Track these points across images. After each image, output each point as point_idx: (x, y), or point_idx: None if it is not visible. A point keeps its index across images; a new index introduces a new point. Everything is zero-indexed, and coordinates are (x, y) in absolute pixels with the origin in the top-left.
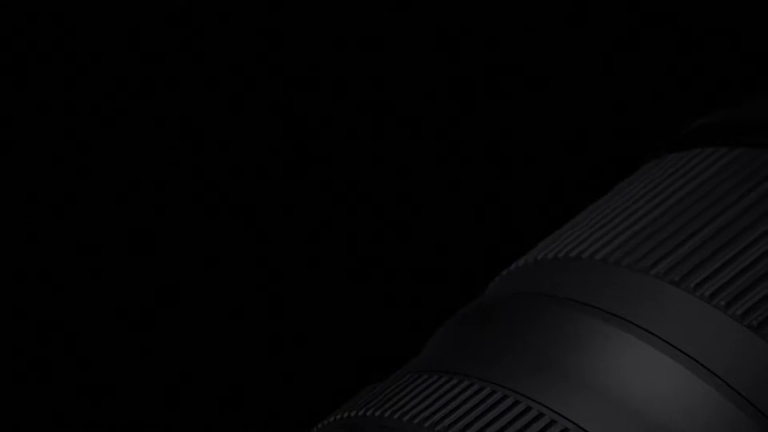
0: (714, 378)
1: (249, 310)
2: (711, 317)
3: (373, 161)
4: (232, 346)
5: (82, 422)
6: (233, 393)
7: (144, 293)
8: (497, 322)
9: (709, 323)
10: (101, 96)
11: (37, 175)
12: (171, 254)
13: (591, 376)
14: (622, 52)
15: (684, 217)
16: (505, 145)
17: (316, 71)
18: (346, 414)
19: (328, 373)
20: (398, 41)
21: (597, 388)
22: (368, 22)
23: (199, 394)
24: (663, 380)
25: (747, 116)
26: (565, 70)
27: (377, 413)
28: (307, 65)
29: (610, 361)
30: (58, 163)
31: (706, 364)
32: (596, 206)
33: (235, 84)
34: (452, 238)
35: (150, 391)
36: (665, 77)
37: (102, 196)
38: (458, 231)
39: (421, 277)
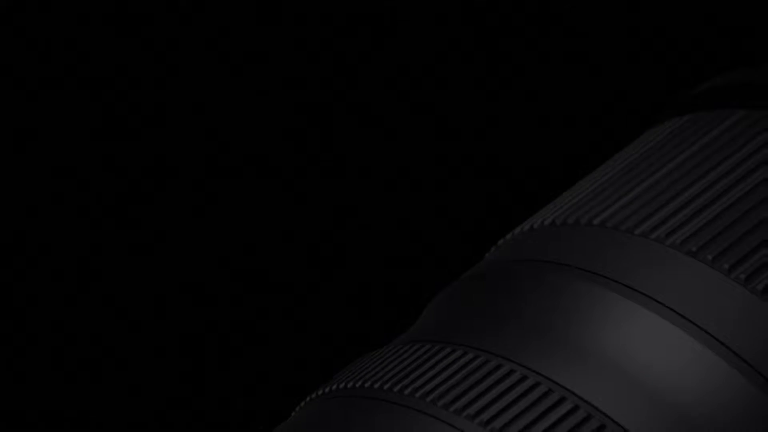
0: (718, 344)
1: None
2: (714, 282)
3: (368, 133)
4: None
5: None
6: (225, 349)
7: (136, 290)
8: (495, 290)
9: (711, 288)
10: (99, 95)
11: (33, 175)
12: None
13: (591, 343)
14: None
15: (684, 181)
16: (503, 114)
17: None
18: (342, 384)
19: (322, 342)
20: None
21: (597, 356)
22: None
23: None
24: (664, 346)
25: (750, 79)
26: (562, 36)
27: (376, 385)
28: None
29: (610, 328)
30: (54, 162)
31: (708, 330)
32: (595, 173)
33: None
34: (449, 206)
35: (149, 389)
36: (664, 47)
37: (99, 195)
38: (456, 199)
39: (418, 246)
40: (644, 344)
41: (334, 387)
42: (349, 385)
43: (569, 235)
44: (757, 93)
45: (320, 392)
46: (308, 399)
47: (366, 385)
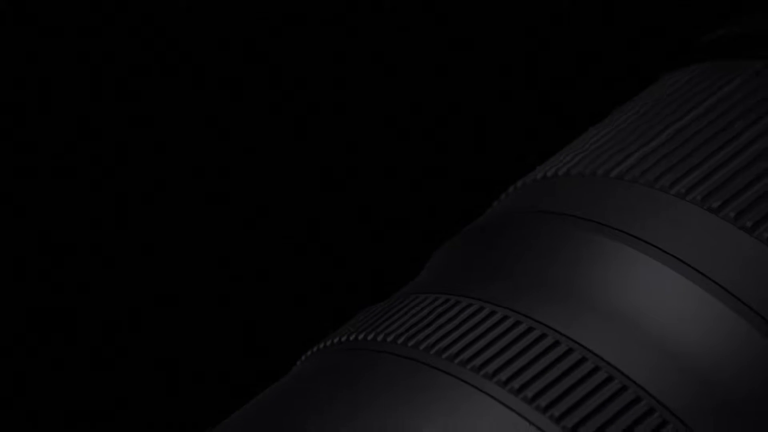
0: (724, 292)
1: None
2: (720, 230)
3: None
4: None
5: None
6: (225, 307)
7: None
8: (499, 242)
9: (717, 236)
10: (94, 94)
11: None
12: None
13: (596, 293)
14: None
15: (689, 131)
16: (508, 60)
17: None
18: (346, 337)
19: (324, 294)
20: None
21: (602, 306)
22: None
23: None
24: (669, 295)
25: (749, 30)
26: None
27: (379, 337)
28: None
29: (615, 277)
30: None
31: (714, 277)
32: (599, 126)
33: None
34: (451, 159)
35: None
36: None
37: (95, 194)
38: (457, 151)
39: (420, 198)
40: (649, 293)
41: (337, 340)
42: (351, 338)
43: (574, 185)
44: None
45: (322, 345)
46: (310, 352)
47: (369, 337)
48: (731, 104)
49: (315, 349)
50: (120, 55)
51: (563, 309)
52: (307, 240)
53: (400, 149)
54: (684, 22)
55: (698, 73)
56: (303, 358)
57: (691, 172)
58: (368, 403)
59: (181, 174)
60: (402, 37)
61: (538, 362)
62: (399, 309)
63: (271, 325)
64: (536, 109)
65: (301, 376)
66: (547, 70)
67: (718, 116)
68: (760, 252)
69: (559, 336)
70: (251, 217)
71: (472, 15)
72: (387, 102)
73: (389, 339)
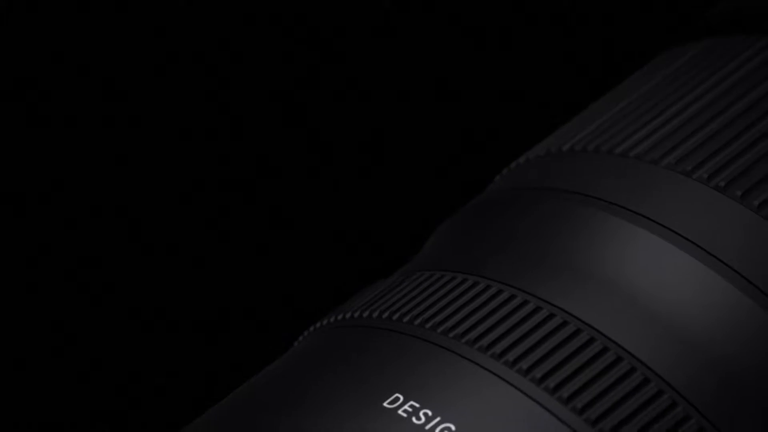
0: (727, 269)
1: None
2: (723, 207)
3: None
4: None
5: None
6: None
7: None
8: (501, 218)
9: (721, 213)
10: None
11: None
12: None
13: (599, 269)
14: None
15: (694, 108)
16: (509, 37)
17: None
18: (347, 314)
19: (325, 272)
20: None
21: (602, 281)
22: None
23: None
24: (672, 271)
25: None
26: None
27: (380, 315)
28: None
29: (618, 254)
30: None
31: (718, 255)
32: (601, 102)
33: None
34: (450, 136)
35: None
36: None
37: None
38: (457, 129)
39: (421, 174)
40: (652, 270)
41: (338, 317)
42: (352, 315)
43: (576, 162)
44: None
45: (323, 323)
46: (310, 329)
47: (371, 314)
48: (736, 81)
49: (315, 326)
50: (118, 55)
51: (567, 286)
52: (307, 218)
53: (399, 125)
54: None
55: (702, 49)
56: (303, 335)
57: (696, 150)
58: (369, 381)
59: (178, 160)
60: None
61: (545, 341)
62: (401, 286)
63: (272, 303)
64: (536, 85)
65: (301, 353)
66: (547, 44)
67: (723, 93)
68: (763, 229)
69: (555, 309)
70: (251, 193)
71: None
72: (386, 74)
73: (391, 316)
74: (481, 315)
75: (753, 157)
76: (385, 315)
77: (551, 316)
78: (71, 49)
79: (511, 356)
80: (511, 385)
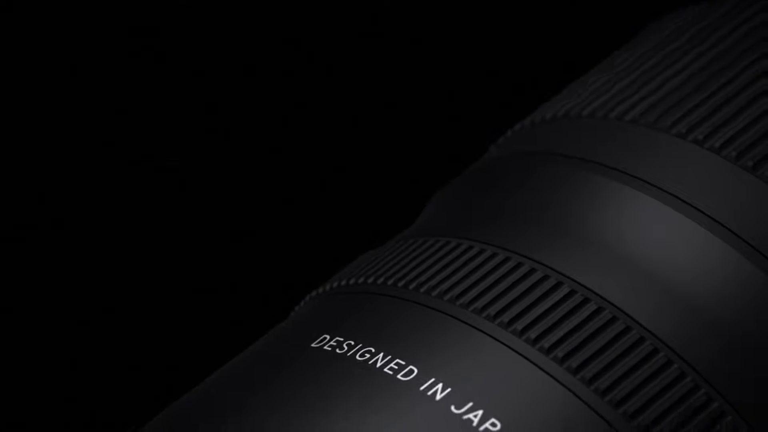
0: (726, 231)
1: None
2: (721, 169)
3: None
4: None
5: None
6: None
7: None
8: (498, 184)
9: (719, 175)
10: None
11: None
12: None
13: (594, 231)
14: None
15: (689, 71)
16: (502, 10)
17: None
18: (344, 281)
19: (323, 239)
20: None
21: (604, 247)
22: None
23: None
24: (671, 234)
25: None
26: None
27: (378, 281)
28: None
29: (616, 218)
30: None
31: (716, 217)
32: (599, 68)
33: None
34: (448, 105)
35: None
36: None
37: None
38: (455, 97)
39: (418, 141)
40: (650, 233)
41: (336, 284)
42: (351, 282)
43: (573, 127)
44: None
45: (321, 290)
46: (309, 297)
47: (369, 281)
48: (731, 44)
49: (314, 293)
50: (117, 54)
51: (562, 248)
52: (305, 187)
53: (397, 94)
54: None
55: (696, 14)
56: (302, 303)
57: (691, 112)
58: (369, 346)
59: (174, 137)
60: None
61: (540, 303)
62: (398, 253)
63: (270, 272)
64: (530, 53)
65: (300, 320)
66: (542, 13)
67: (717, 56)
68: (761, 191)
69: (558, 275)
70: (252, 162)
71: None
72: (384, 49)
73: (389, 282)
74: (476, 278)
75: (750, 119)
76: (382, 281)
77: (545, 277)
78: (70, 48)
79: (506, 317)
80: (507, 345)
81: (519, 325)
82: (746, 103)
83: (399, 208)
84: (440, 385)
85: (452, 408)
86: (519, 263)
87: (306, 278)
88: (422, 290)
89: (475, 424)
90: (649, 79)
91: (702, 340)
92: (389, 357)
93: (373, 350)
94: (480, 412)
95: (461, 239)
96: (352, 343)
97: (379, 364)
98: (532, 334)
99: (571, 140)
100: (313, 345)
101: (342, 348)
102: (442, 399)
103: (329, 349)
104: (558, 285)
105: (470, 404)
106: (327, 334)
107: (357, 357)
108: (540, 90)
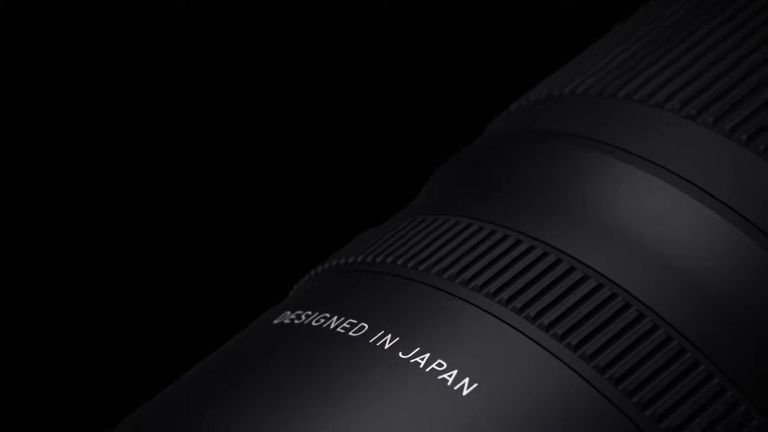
0: (725, 208)
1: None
2: (720, 146)
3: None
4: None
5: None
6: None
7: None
8: (499, 161)
9: (718, 152)
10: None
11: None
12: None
13: (592, 208)
14: None
15: (682, 48)
16: None
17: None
18: (343, 260)
19: (322, 218)
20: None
21: (605, 224)
22: None
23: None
24: (672, 211)
25: None
26: None
27: (378, 259)
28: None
29: (618, 195)
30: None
31: (716, 194)
32: (600, 44)
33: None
34: (445, 82)
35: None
36: None
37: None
38: (452, 75)
39: (418, 118)
40: (652, 210)
41: (335, 263)
42: (348, 260)
43: (569, 104)
44: None
45: (317, 270)
46: (307, 276)
47: (368, 259)
48: (724, 19)
49: (310, 274)
50: (114, 54)
51: (561, 226)
52: (304, 165)
53: (395, 71)
54: None
55: None
56: (301, 282)
57: (685, 87)
58: (368, 324)
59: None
60: None
61: (539, 280)
62: (398, 231)
63: (268, 251)
64: (532, 28)
65: (299, 299)
66: None
67: (710, 32)
68: (760, 167)
69: (560, 254)
70: (248, 141)
71: None
72: (381, 24)
73: (387, 260)
74: (474, 255)
75: (744, 93)
76: (378, 259)
77: (545, 254)
78: (69, 47)
79: (505, 295)
80: (506, 323)
81: (518, 303)
82: (740, 77)
83: (398, 187)
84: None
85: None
86: (518, 241)
87: (307, 257)
88: (421, 268)
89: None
90: (644, 55)
91: (702, 316)
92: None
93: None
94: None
95: (460, 217)
96: (349, 320)
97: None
98: (532, 311)
99: (570, 118)
100: (305, 322)
101: (337, 325)
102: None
103: (318, 325)
104: (557, 262)
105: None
106: (324, 311)
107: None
108: (538, 68)
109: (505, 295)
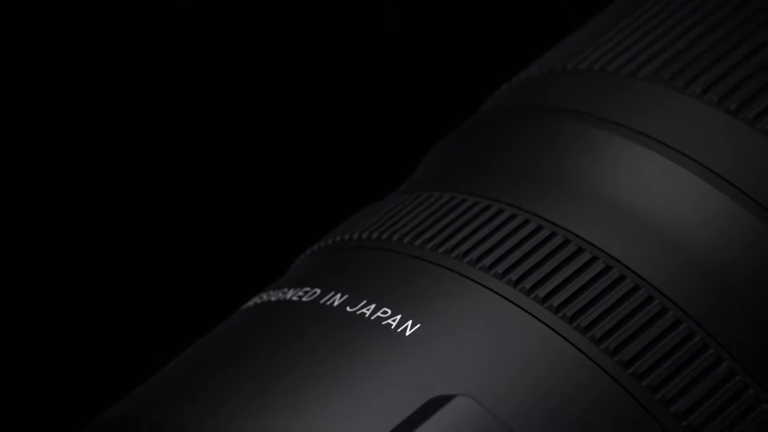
0: (722, 181)
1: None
2: (715, 119)
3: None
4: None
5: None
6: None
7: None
8: (497, 137)
9: (714, 126)
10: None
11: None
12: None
13: (589, 183)
14: None
15: (687, 24)
16: None
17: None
18: (341, 237)
19: (321, 194)
20: None
21: (596, 195)
22: None
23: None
24: (668, 184)
25: None
26: None
27: (373, 235)
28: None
29: (613, 169)
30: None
31: (712, 167)
32: (594, 21)
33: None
34: (440, 61)
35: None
36: None
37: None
38: (448, 53)
39: (414, 95)
40: (648, 184)
41: (327, 242)
42: (345, 237)
43: (566, 80)
44: None
45: (313, 249)
46: (307, 252)
47: (363, 236)
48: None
49: (306, 252)
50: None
51: (560, 201)
52: (303, 141)
53: (391, 47)
54: None
55: None
56: (300, 257)
57: (690, 65)
58: (365, 299)
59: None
60: None
61: (534, 253)
62: (394, 208)
63: (267, 227)
64: (531, 5)
65: (298, 276)
66: None
67: (716, 8)
68: (756, 140)
69: (555, 227)
70: (250, 115)
71: None
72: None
73: (384, 237)
74: (470, 230)
75: (749, 72)
76: (375, 235)
77: (539, 228)
78: (69, 48)
79: (500, 268)
80: (504, 297)
81: (513, 276)
82: (745, 55)
83: (395, 164)
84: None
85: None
86: (513, 215)
87: (304, 232)
88: (417, 243)
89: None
90: (647, 31)
91: (698, 288)
92: (332, 293)
93: (365, 302)
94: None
95: (455, 193)
96: (344, 295)
97: (367, 314)
98: (527, 284)
99: (571, 94)
100: (304, 299)
101: (331, 300)
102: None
103: (313, 299)
104: (552, 235)
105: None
106: (319, 287)
107: (347, 309)
108: (536, 43)
109: (500, 268)
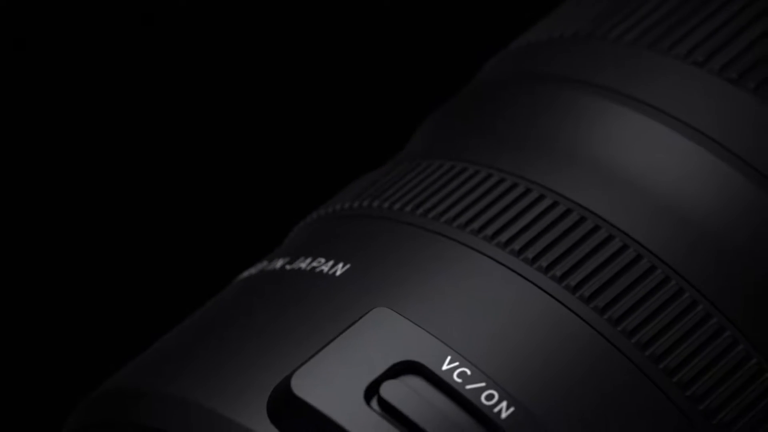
0: (717, 146)
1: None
2: (710, 84)
3: None
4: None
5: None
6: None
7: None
8: (490, 105)
9: (708, 91)
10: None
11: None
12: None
13: (583, 148)
14: None
15: None
16: None
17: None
18: (340, 205)
19: (318, 163)
20: None
21: (599, 165)
22: None
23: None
24: (664, 150)
25: None
26: None
27: (374, 203)
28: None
29: (603, 133)
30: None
31: (708, 132)
32: None
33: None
34: (442, 27)
35: None
36: None
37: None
38: (443, 25)
39: (410, 65)
40: (644, 150)
41: (326, 211)
42: (338, 207)
43: (560, 48)
44: None
45: (309, 219)
46: (306, 220)
47: (364, 204)
48: None
49: (311, 218)
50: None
51: (553, 166)
52: (300, 110)
53: (386, 16)
54: None
55: None
56: (300, 225)
57: (690, 33)
58: (364, 270)
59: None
60: None
61: (536, 223)
62: (393, 176)
63: (265, 196)
64: None
65: (297, 244)
66: None
67: None
68: (750, 104)
69: (556, 195)
70: (246, 87)
71: None
72: None
73: (384, 205)
74: (471, 200)
75: (750, 40)
76: (375, 204)
77: (541, 197)
78: (69, 47)
79: (503, 237)
80: (496, 260)
81: (516, 245)
82: (746, 24)
83: (392, 132)
84: (319, 259)
85: (324, 271)
86: (514, 184)
87: (301, 202)
88: (418, 212)
89: (344, 276)
90: (644, 2)
91: (698, 254)
92: (312, 259)
93: (302, 257)
94: (347, 266)
95: (455, 161)
96: (345, 264)
97: (303, 267)
98: (530, 254)
99: (571, 61)
100: (302, 267)
101: (329, 267)
102: (316, 269)
103: (313, 268)
104: (554, 205)
105: (340, 264)
106: (319, 256)
107: (286, 267)
108: (533, 9)
109: (503, 237)
